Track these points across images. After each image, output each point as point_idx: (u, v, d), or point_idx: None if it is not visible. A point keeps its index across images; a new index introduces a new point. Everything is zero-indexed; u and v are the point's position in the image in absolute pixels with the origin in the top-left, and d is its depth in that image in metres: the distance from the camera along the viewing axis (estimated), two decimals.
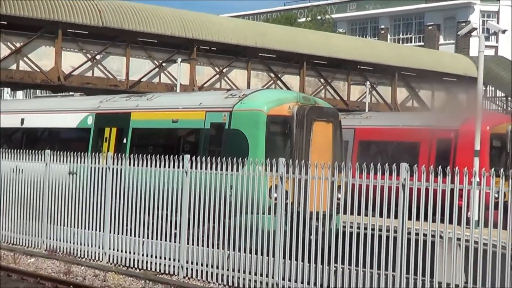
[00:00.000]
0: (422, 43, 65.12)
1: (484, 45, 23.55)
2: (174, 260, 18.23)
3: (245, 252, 16.78)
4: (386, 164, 14.28)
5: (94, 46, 35.65)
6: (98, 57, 35.68)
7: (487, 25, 32.08)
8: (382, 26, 69.92)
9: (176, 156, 18.30)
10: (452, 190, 13.39)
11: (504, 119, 28.14)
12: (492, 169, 13.09)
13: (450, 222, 13.58)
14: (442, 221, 13.57)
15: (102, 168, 19.99)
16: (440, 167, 13.54)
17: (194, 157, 17.94)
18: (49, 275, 18.34)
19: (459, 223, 13.59)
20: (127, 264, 19.25)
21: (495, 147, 25.31)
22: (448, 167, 13.66)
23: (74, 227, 20.59)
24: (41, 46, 34.30)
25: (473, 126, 23.32)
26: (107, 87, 35.24)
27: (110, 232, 19.68)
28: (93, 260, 19.98)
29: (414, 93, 46.32)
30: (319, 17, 67.97)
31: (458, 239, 13.55)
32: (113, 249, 19.63)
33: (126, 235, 19.37)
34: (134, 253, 19.17)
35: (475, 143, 22.68)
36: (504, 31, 26.74)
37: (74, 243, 20.61)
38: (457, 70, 47.42)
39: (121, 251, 19.44)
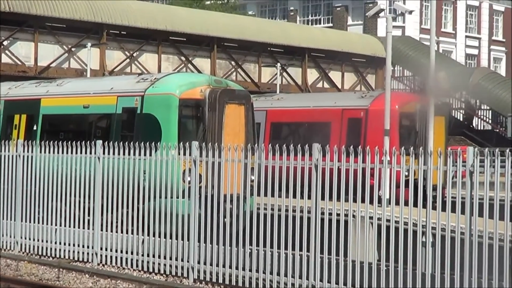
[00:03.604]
0: (330, 24, 65.63)
1: (392, 25, 23.86)
2: (88, 247, 18.08)
3: (159, 237, 16.73)
4: (299, 145, 14.41)
5: (1, 32, 34.91)
6: (5, 42, 34.99)
7: (394, 6, 32.50)
8: (291, 8, 70.12)
9: (88, 142, 18.12)
10: (363, 170, 13.57)
11: (412, 98, 28.62)
12: (402, 148, 13.30)
13: (363, 201, 13.79)
14: (355, 200, 13.74)
15: (12, 156, 19.68)
16: (351, 146, 13.70)
17: (106, 142, 17.81)
18: None
19: (371, 202, 13.81)
20: (40, 253, 19.00)
21: (404, 126, 25.70)
22: (359, 147, 13.84)
23: None
24: None
25: (382, 105, 23.65)
26: (15, 74, 34.62)
27: (21, 221, 19.39)
28: (5, 250, 19.66)
29: (324, 74, 46.74)
30: None
31: (371, 218, 13.76)
32: (25, 238, 19.35)
33: (38, 223, 19.12)
34: (47, 241, 18.94)
35: (385, 122, 23.00)
36: (410, 12, 27.17)
37: None
38: (366, 50, 47.98)
39: (34, 240, 19.17)
